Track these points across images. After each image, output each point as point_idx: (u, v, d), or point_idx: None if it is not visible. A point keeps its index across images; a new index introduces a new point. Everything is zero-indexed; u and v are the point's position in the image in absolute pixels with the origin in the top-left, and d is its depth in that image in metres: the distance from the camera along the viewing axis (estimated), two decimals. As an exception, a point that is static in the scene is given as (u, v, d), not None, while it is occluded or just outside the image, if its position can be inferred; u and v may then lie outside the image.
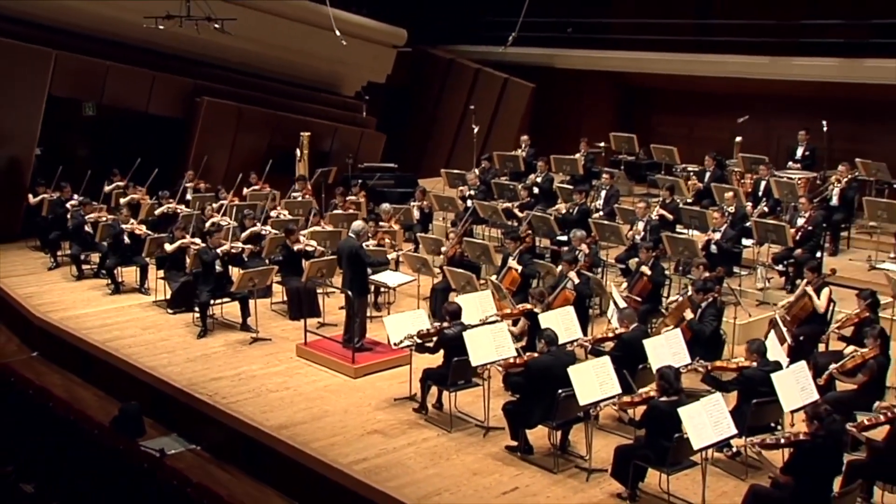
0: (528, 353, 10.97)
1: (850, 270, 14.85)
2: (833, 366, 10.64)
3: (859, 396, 10.38)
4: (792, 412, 9.79)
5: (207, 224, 16.25)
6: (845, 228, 16.57)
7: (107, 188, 18.67)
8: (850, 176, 16.44)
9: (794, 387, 9.72)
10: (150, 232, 15.93)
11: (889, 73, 18.19)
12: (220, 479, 10.71)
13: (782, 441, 8.86)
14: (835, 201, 16.26)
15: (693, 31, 21.97)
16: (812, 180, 17.14)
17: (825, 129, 17.93)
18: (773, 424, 10.23)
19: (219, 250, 14.20)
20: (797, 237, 14.71)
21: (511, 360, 10.76)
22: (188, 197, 18.15)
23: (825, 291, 12.33)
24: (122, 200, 17.53)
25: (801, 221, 14.99)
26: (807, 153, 18.23)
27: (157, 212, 17.39)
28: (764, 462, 9.33)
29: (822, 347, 12.03)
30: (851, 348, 10.86)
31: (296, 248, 15.03)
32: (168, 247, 15.08)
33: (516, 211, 17.37)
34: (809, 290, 12.27)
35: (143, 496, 8.64)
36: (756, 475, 9.58)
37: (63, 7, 18.54)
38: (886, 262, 15.37)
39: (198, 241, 15.16)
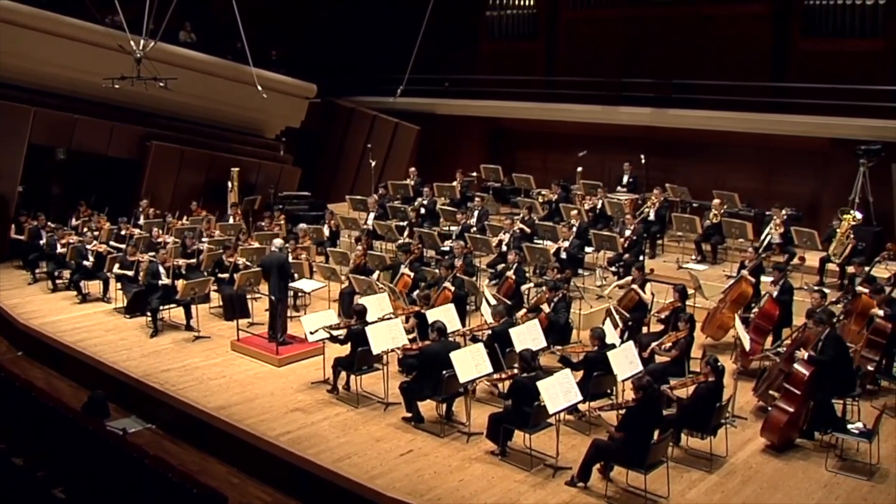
0: (422, 342, 10.97)
1: (664, 269, 15.21)
2: (654, 343, 10.93)
3: (672, 366, 10.69)
4: (623, 381, 9.99)
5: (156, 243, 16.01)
6: (660, 237, 16.96)
7: (74, 221, 18.09)
8: (662, 198, 16.87)
9: (624, 361, 9.97)
10: (110, 249, 15.64)
11: (687, 120, 18.80)
12: (172, 451, 10.45)
13: (616, 406, 9.07)
14: (652, 217, 16.60)
15: (543, 86, 22.24)
16: (635, 201, 17.48)
17: (643, 161, 18.41)
18: (608, 391, 10.42)
19: (162, 266, 13.97)
20: (625, 245, 15.05)
21: (410, 346, 10.78)
22: (141, 222, 17.67)
23: (648, 286, 12.65)
24: (86, 227, 17.04)
25: (627, 233, 15.34)
26: (630, 180, 18.67)
27: (109, 230, 16.99)
28: (603, 421, 9.53)
29: (644, 329, 12.28)
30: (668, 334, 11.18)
31: (228, 261, 14.77)
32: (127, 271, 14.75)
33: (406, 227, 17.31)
34: (635, 286, 12.55)
35: (110, 467, 8.42)
36: (597, 431, 9.76)
37: (40, 72, 18.26)
38: (690, 262, 15.80)
39: (147, 255, 14.92)
